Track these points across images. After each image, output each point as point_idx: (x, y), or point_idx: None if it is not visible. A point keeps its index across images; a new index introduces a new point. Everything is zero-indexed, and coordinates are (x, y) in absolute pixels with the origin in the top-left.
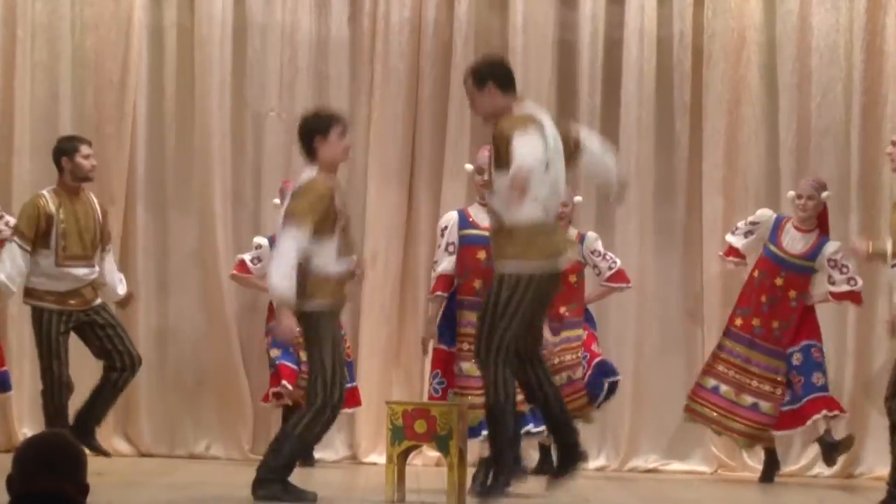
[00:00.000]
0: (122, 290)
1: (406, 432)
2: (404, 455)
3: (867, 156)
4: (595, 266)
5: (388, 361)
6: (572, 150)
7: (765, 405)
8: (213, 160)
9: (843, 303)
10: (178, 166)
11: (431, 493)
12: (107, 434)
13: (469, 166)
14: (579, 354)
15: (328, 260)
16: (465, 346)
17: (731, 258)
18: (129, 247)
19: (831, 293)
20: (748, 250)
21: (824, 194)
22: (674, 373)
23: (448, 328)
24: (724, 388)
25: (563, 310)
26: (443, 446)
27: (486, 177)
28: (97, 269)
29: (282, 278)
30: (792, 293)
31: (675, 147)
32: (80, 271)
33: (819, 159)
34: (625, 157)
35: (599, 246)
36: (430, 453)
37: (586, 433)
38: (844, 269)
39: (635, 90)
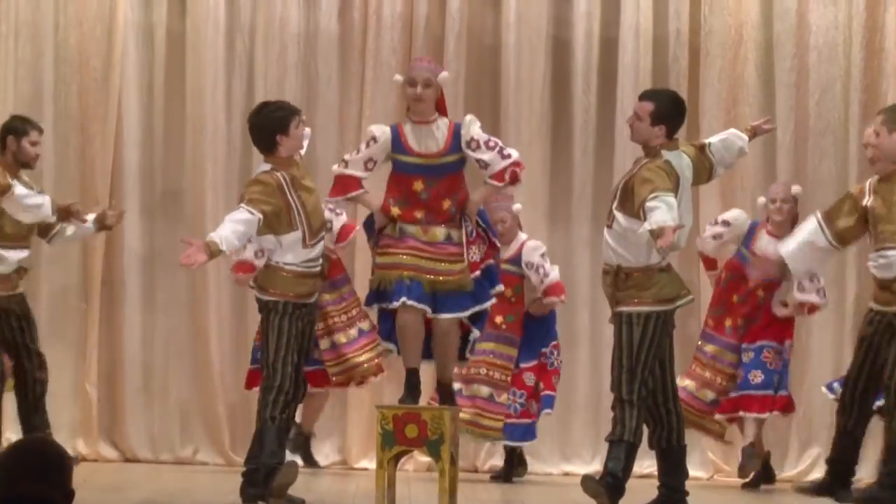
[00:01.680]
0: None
1: (397, 437)
2: (395, 460)
3: (867, 156)
4: (529, 279)
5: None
6: (709, 171)
7: (713, 395)
8: (203, 160)
9: (804, 313)
10: (167, 167)
11: (422, 498)
12: (92, 439)
13: (398, 77)
14: (507, 378)
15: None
16: None
17: (709, 271)
18: (114, 250)
19: (797, 300)
20: (718, 254)
21: (795, 189)
22: None
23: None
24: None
25: (499, 320)
26: (434, 451)
27: (419, 91)
28: (31, 253)
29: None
30: (760, 293)
31: None
32: (15, 255)
33: (817, 159)
34: (620, 158)
35: (536, 257)
36: (422, 458)
37: (580, 436)
38: (815, 280)
39: (631, 89)
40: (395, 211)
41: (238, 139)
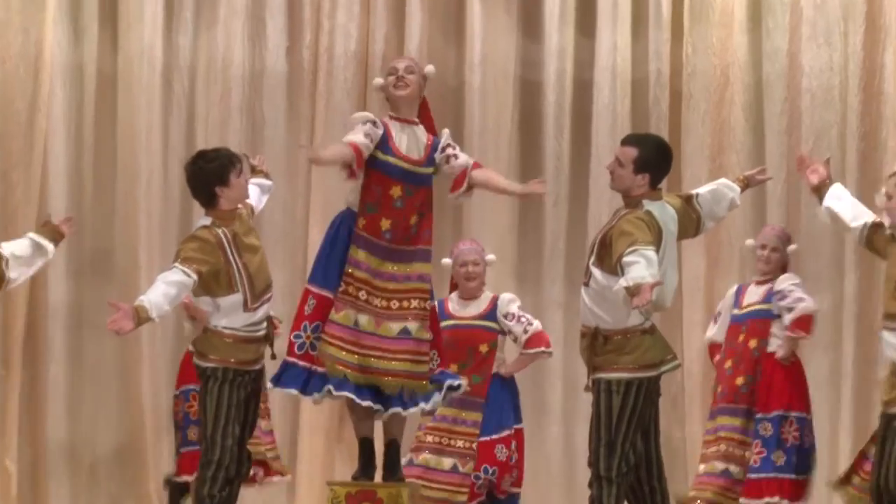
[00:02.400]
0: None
1: None
2: None
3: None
4: (510, 331)
5: (330, 437)
6: (696, 224)
7: (734, 469)
8: (136, 213)
9: (798, 333)
10: (97, 220)
11: None
12: None
13: (379, 80)
14: (473, 444)
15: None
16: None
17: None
18: (37, 311)
19: (788, 323)
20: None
21: (790, 248)
22: None
23: (334, 270)
24: (734, 468)
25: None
26: None
27: (401, 73)
28: None
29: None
30: (752, 343)
31: None
32: None
33: (811, 212)
34: (595, 210)
35: (514, 308)
36: None
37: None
38: (793, 291)
39: (607, 134)
40: (362, 222)
41: (176, 190)
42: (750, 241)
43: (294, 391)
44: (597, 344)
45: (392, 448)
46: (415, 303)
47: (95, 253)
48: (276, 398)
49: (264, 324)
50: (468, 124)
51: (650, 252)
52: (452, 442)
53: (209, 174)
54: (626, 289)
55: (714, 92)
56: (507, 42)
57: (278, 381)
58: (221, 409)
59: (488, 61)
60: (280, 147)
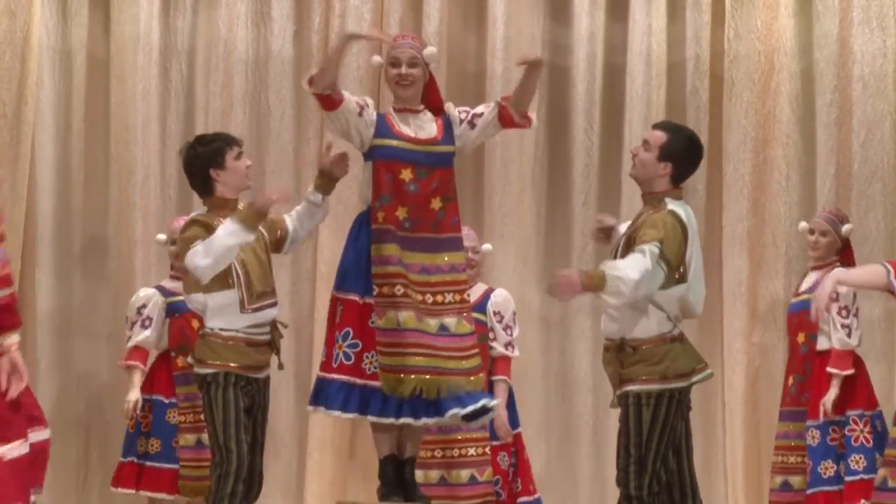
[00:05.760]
0: None
1: None
2: None
3: None
4: (492, 330)
5: (341, 455)
6: None
7: (794, 479)
8: (131, 211)
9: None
10: (89, 218)
11: None
12: None
13: (377, 58)
14: (486, 449)
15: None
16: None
17: None
18: (25, 321)
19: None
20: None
21: (845, 228)
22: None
23: (359, 273)
24: (793, 479)
25: None
26: None
27: (404, 70)
28: None
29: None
30: (800, 337)
31: (690, 195)
32: None
33: (863, 211)
34: (628, 208)
35: (508, 312)
36: None
37: None
38: (843, 313)
39: (641, 126)
40: (381, 215)
41: (174, 187)
42: (803, 224)
43: (337, 412)
44: (623, 355)
45: (410, 464)
46: (449, 297)
47: (86, 255)
48: (282, 409)
49: (268, 327)
50: None
51: (662, 262)
52: (463, 451)
53: (204, 156)
54: (605, 271)
55: (758, 80)
56: (532, 25)
57: (315, 400)
58: (230, 414)
59: (512, 46)
60: (287, 140)
